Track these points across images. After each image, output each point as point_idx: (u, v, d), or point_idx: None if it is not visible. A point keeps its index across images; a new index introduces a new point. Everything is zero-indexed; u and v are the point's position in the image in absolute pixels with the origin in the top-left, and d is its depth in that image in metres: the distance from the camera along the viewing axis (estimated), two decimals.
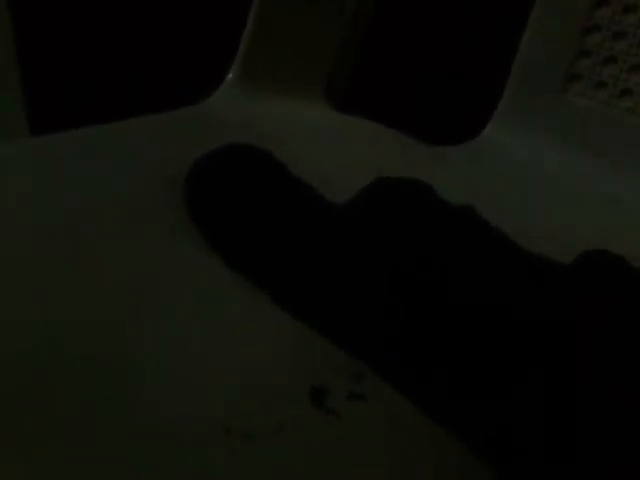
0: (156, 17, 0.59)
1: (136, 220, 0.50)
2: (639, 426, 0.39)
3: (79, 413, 0.39)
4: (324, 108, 0.63)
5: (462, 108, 0.63)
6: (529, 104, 0.62)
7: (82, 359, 0.42)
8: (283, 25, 0.62)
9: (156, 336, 0.44)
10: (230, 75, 0.62)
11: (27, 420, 0.39)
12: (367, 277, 0.47)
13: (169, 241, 0.49)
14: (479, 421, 0.41)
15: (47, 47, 0.58)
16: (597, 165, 0.60)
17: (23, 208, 0.50)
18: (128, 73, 0.58)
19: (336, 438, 0.40)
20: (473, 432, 0.40)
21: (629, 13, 0.58)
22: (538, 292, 0.45)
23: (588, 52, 0.59)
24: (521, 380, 0.42)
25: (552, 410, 0.41)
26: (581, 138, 0.60)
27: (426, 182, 0.52)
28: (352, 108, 0.63)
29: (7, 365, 0.41)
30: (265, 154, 0.53)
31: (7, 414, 0.39)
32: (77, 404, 0.40)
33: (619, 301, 0.45)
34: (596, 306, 0.44)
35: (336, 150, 0.60)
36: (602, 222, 0.56)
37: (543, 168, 0.61)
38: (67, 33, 0.59)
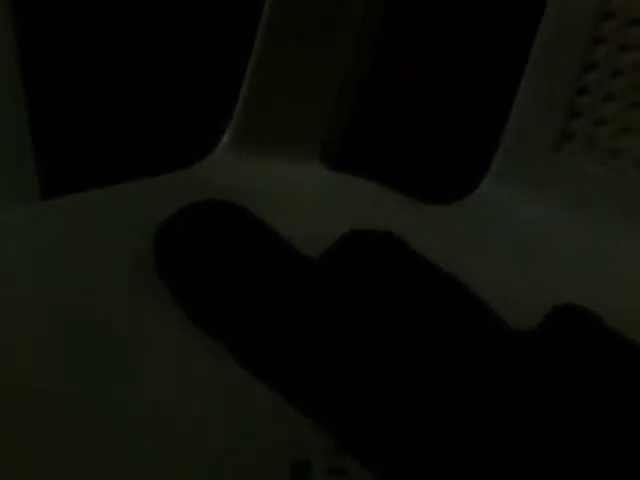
0: (151, 78, 0.60)
1: (120, 286, 0.52)
2: None
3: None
4: (318, 167, 0.64)
5: (456, 166, 0.63)
6: (523, 162, 0.62)
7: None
8: (278, 88, 0.63)
9: (124, 402, 0.44)
10: (225, 138, 0.62)
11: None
12: (332, 344, 0.47)
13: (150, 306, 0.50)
14: None
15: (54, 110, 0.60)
16: (589, 224, 0.60)
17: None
18: (122, 135, 0.59)
19: None
20: None
21: (617, 77, 0.58)
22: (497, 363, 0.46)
23: (579, 113, 0.60)
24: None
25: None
26: (573, 196, 0.61)
27: (398, 235, 0.52)
28: (347, 167, 0.63)
29: None
30: (240, 209, 0.54)
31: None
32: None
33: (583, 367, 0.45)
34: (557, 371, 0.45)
35: (329, 210, 0.61)
36: (592, 282, 0.57)
37: (537, 226, 0.61)
38: (69, 94, 0.60)
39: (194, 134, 0.62)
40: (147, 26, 0.59)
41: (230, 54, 0.61)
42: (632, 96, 0.58)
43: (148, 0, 0.59)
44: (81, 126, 0.59)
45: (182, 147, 0.61)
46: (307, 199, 0.61)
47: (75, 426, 0.43)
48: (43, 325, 0.50)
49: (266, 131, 0.63)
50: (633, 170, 0.60)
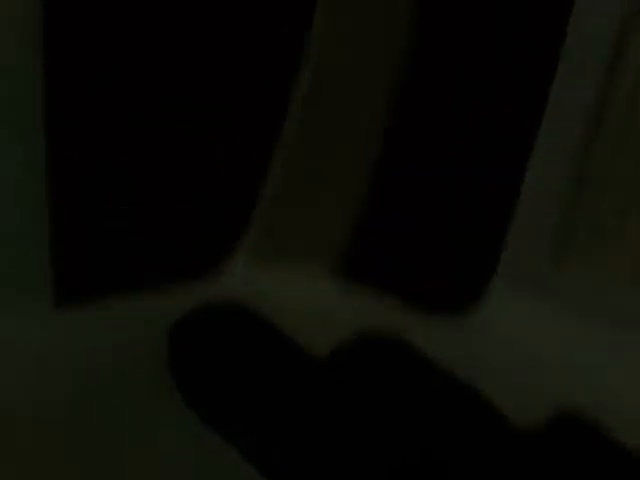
0: (168, 188, 0.62)
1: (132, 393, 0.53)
2: None
3: None
4: (331, 279, 0.65)
5: (460, 278, 0.65)
6: (525, 274, 0.64)
7: None
8: (294, 202, 0.65)
9: None
10: (239, 249, 0.64)
11: None
12: (340, 446, 0.48)
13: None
14: None
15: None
16: (592, 334, 0.61)
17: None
18: (136, 243, 0.61)
19: None
20: None
21: (614, 190, 0.61)
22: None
23: (576, 227, 0.62)
24: None
25: None
26: (576, 307, 0.62)
27: (405, 339, 0.54)
28: (358, 278, 0.65)
29: None
30: (253, 312, 0.56)
31: None
32: None
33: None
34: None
35: (342, 322, 0.62)
36: (597, 393, 0.57)
37: (540, 335, 0.62)
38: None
39: (208, 245, 0.64)
40: (167, 131, 0.61)
41: (249, 165, 0.63)
42: (628, 209, 0.61)
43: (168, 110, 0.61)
44: (95, 232, 0.61)
45: (196, 258, 0.63)
46: (320, 310, 0.63)
47: None
48: (57, 429, 0.51)
49: (281, 244, 0.65)
50: (630, 282, 0.61)
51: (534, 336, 0.63)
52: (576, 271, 0.63)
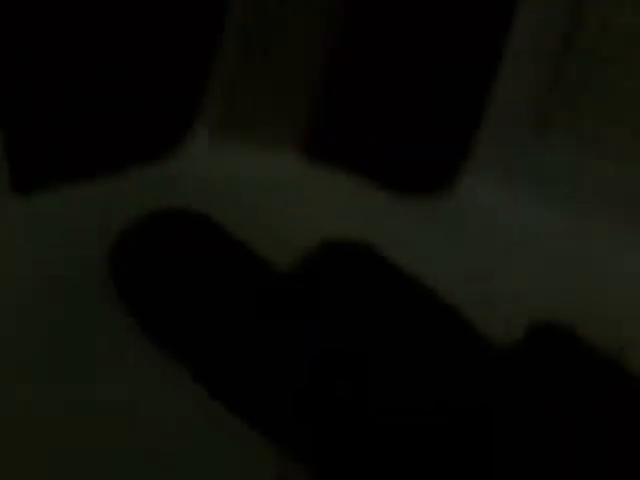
0: (118, 62, 0.58)
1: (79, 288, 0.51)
2: None
3: None
4: (294, 157, 0.62)
5: (435, 156, 0.62)
6: (502, 152, 0.61)
7: None
8: (252, 79, 0.62)
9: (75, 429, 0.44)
10: (197, 127, 0.61)
11: None
12: (291, 364, 0.46)
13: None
14: None
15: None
16: (571, 219, 0.59)
17: None
18: (88, 121, 0.57)
19: None
20: None
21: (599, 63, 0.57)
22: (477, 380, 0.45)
23: (559, 101, 0.59)
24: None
25: None
26: (556, 189, 0.60)
27: (371, 244, 0.51)
28: (324, 155, 0.62)
29: None
30: (201, 217, 0.52)
31: None
32: None
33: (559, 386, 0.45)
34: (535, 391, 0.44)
35: (304, 202, 0.59)
36: (574, 283, 0.56)
37: (517, 221, 0.60)
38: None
39: (165, 123, 0.60)
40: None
41: (203, 38, 0.59)
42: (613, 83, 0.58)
43: None
44: (43, 115, 0.57)
45: (153, 136, 0.60)
46: (282, 190, 0.60)
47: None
48: None
49: (241, 120, 0.61)
50: (614, 159, 0.59)
51: (508, 217, 0.60)
52: (555, 149, 0.60)
